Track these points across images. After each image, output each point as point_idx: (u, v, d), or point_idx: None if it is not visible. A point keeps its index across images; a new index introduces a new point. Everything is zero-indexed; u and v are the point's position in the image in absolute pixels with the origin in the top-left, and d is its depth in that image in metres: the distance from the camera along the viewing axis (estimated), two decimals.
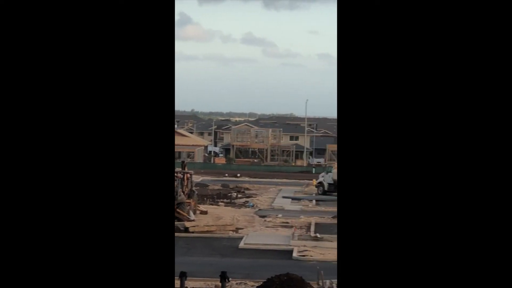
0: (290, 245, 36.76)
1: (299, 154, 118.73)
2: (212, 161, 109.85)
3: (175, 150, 77.91)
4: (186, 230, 39.95)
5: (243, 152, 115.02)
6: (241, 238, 38.94)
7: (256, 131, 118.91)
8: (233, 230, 41.45)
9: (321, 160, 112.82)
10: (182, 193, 44.87)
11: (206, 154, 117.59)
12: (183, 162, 52.57)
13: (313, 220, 47.38)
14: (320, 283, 26.57)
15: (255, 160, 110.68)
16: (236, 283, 27.34)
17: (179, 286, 23.00)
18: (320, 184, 69.29)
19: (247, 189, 71.31)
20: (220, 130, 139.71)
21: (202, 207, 50.47)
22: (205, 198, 57.31)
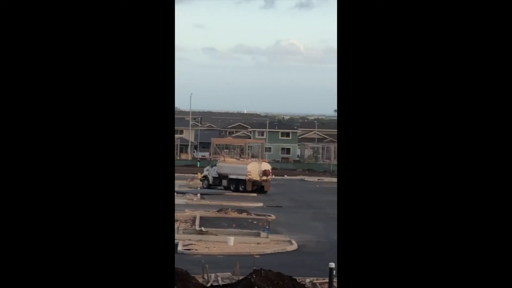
0: (175, 239, 36.49)
1: (183, 147, 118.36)
2: None
3: None
4: None
5: None
6: None
7: None
8: None
9: (206, 154, 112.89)
10: None
11: None
12: None
13: (198, 214, 47.39)
14: (205, 277, 26.42)
15: None
16: None
17: None
18: (205, 178, 69.30)
19: None
20: None
21: None
22: None
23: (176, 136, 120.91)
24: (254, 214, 50.64)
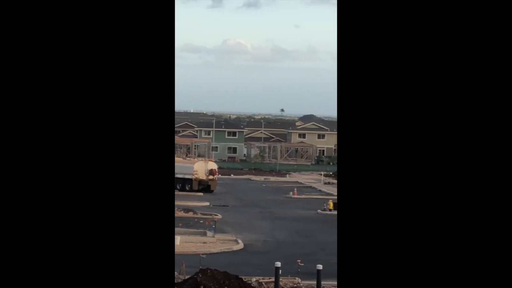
0: None
1: None
2: None
3: None
4: None
5: None
6: None
7: None
8: None
9: None
10: None
11: None
12: None
13: None
14: None
15: None
16: None
17: None
18: None
19: None
20: None
21: None
22: None
23: None
24: (201, 213, 50.62)
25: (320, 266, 29.18)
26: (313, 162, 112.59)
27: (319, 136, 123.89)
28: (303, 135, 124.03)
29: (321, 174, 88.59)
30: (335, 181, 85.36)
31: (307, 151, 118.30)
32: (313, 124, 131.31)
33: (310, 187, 77.72)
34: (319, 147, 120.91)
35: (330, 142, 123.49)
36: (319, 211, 55.78)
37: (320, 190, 74.18)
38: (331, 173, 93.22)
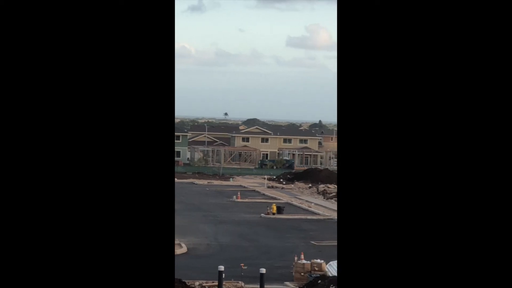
0: None
1: None
2: None
3: None
4: None
5: None
6: None
7: None
8: None
9: None
10: None
11: None
12: None
13: None
14: None
15: None
16: None
17: None
18: None
19: None
20: None
21: None
22: None
23: None
24: None
25: (263, 270, 29.32)
26: (257, 166, 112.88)
27: (263, 140, 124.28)
28: (247, 139, 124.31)
29: (264, 178, 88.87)
30: (279, 185, 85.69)
31: (250, 155, 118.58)
32: (256, 128, 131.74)
33: (254, 191, 77.90)
34: (262, 151, 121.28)
35: (273, 146, 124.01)
36: (262, 215, 55.94)
37: (263, 194, 74.39)
38: (274, 177, 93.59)
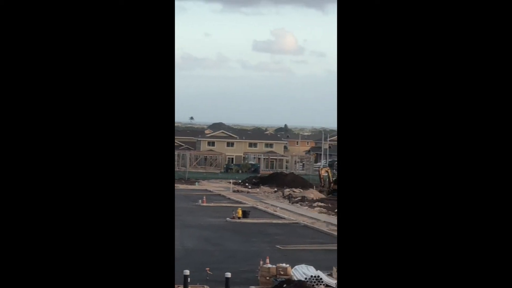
0: None
1: None
2: None
3: None
4: None
5: None
6: None
7: None
8: None
9: None
10: None
11: None
12: None
13: None
14: None
15: None
16: None
17: None
18: None
19: None
20: None
21: None
22: None
23: None
24: None
25: (228, 274, 29.30)
26: (222, 170, 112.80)
27: (228, 144, 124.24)
28: (212, 143, 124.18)
29: (230, 182, 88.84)
30: (244, 189, 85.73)
31: (216, 159, 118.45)
32: (222, 132, 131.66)
33: (219, 195, 77.87)
34: (228, 155, 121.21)
35: (239, 150, 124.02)
36: (228, 219, 55.93)
37: (229, 198, 74.37)
38: (240, 181, 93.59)
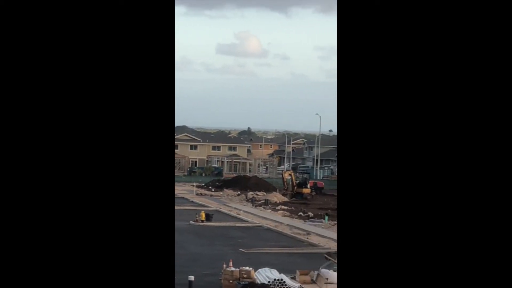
0: None
1: None
2: None
3: None
4: None
5: None
6: None
7: None
8: None
9: None
10: None
11: None
12: None
13: None
14: None
15: None
16: None
17: None
18: None
19: None
20: None
21: None
22: None
23: None
24: None
25: (191, 277, 29.21)
26: (186, 173, 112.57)
27: (192, 147, 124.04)
28: (176, 146, 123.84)
29: (193, 185, 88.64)
30: (207, 192, 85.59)
31: (179, 162, 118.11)
32: (185, 135, 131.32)
33: (183, 198, 77.62)
34: (191, 158, 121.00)
35: (202, 153, 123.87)
36: (191, 222, 55.79)
37: (192, 201, 74.21)
38: (203, 184, 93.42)
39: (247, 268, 31.80)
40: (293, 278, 31.75)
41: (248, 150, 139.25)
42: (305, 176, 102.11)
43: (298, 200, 76.99)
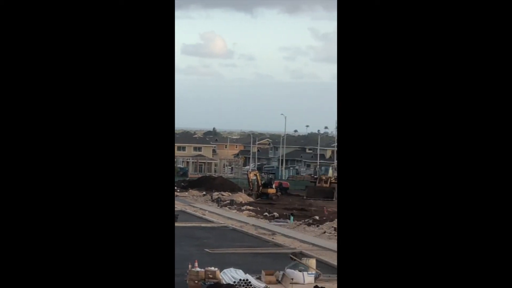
0: None
1: None
2: None
3: None
4: None
5: None
6: None
7: None
8: None
9: None
10: None
11: None
12: None
13: None
14: None
15: None
16: None
17: None
18: None
19: None
20: None
21: None
22: None
23: None
24: None
25: None
26: None
27: None
28: None
29: None
30: (178, 194, 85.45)
31: None
32: None
33: None
34: None
35: None
36: None
37: None
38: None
39: (212, 268, 31.83)
40: (259, 278, 31.85)
41: (214, 151, 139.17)
42: (270, 176, 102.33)
43: (264, 200, 77.11)
